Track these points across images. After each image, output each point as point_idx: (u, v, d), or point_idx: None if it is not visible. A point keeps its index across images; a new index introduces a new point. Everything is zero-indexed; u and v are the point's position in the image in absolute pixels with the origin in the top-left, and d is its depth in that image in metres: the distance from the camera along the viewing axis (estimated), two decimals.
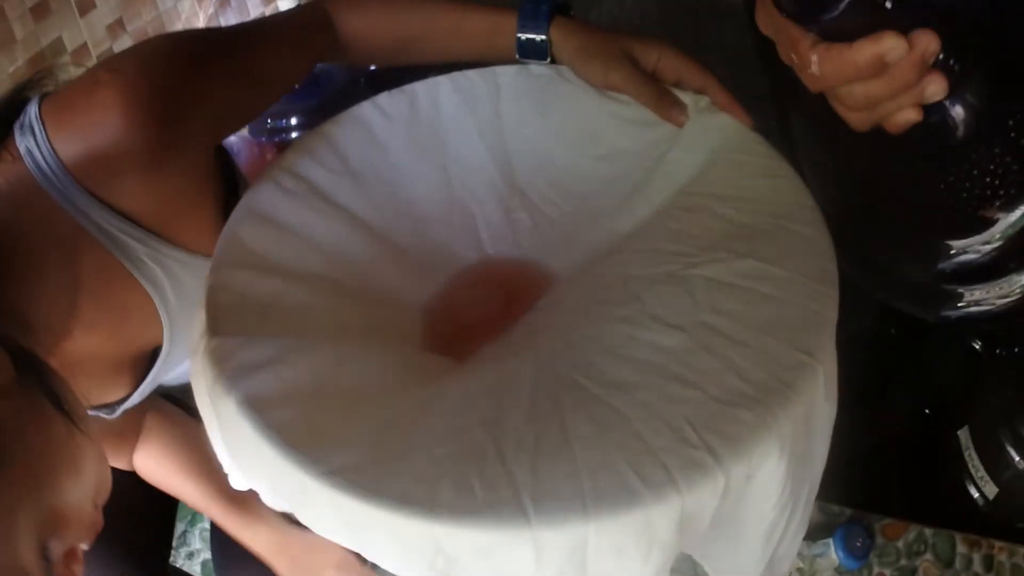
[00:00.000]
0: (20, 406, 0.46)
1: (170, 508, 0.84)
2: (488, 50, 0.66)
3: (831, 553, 0.68)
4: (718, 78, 0.60)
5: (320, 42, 0.66)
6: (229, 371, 0.46)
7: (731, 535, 0.46)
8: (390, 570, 0.43)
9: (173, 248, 0.59)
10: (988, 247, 0.45)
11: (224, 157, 0.67)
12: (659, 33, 0.63)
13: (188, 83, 0.55)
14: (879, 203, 0.52)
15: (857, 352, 0.51)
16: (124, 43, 1.26)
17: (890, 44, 0.37)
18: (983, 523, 0.73)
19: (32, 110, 0.54)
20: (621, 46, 0.61)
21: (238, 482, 0.49)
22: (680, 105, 0.60)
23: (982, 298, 0.47)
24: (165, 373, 0.67)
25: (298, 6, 0.67)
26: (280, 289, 0.53)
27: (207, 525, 0.82)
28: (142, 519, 0.76)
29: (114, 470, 0.76)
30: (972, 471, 0.76)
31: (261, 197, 0.59)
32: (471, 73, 0.66)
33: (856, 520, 0.69)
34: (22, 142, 0.54)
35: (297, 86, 1.13)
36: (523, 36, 0.65)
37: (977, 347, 0.83)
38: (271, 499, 0.47)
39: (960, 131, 0.43)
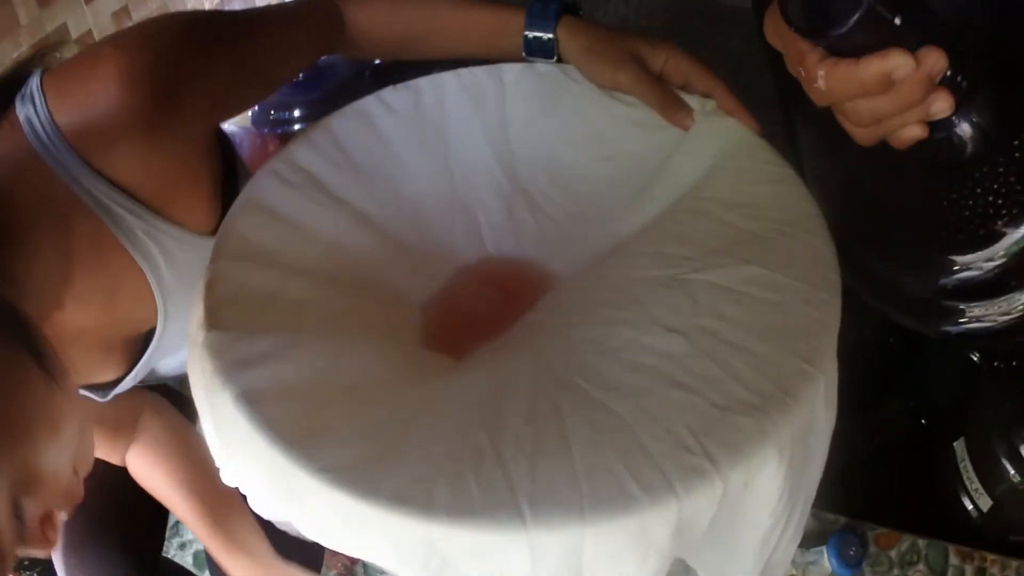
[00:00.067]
0: None
1: None
2: (495, 48, 0.66)
3: (824, 561, 0.68)
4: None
5: (328, 34, 0.66)
6: (226, 365, 0.46)
7: (727, 541, 0.46)
8: (383, 569, 0.43)
9: (169, 224, 0.59)
10: (991, 264, 0.45)
11: (226, 145, 0.67)
12: (664, 36, 0.63)
13: (189, 61, 0.56)
14: (882, 216, 0.52)
15: (855, 361, 0.51)
16: None
17: (897, 62, 0.37)
18: (976, 535, 0.73)
19: (34, 82, 0.55)
20: (628, 47, 0.61)
21: (229, 478, 0.48)
22: (686, 108, 0.59)
23: (983, 315, 0.47)
24: (159, 357, 0.67)
25: None
26: (279, 282, 0.53)
27: None
28: (135, 509, 0.76)
29: (108, 463, 0.75)
30: (967, 483, 0.76)
31: (262, 189, 0.58)
32: (477, 70, 0.66)
33: (850, 528, 0.69)
34: (22, 111, 0.54)
35: (301, 77, 1.14)
36: (530, 34, 0.64)
37: (975, 359, 0.83)
38: (260, 505, 0.47)
39: (965, 148, 0.43)
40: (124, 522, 0.80)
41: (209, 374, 0.46)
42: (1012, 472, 0.72)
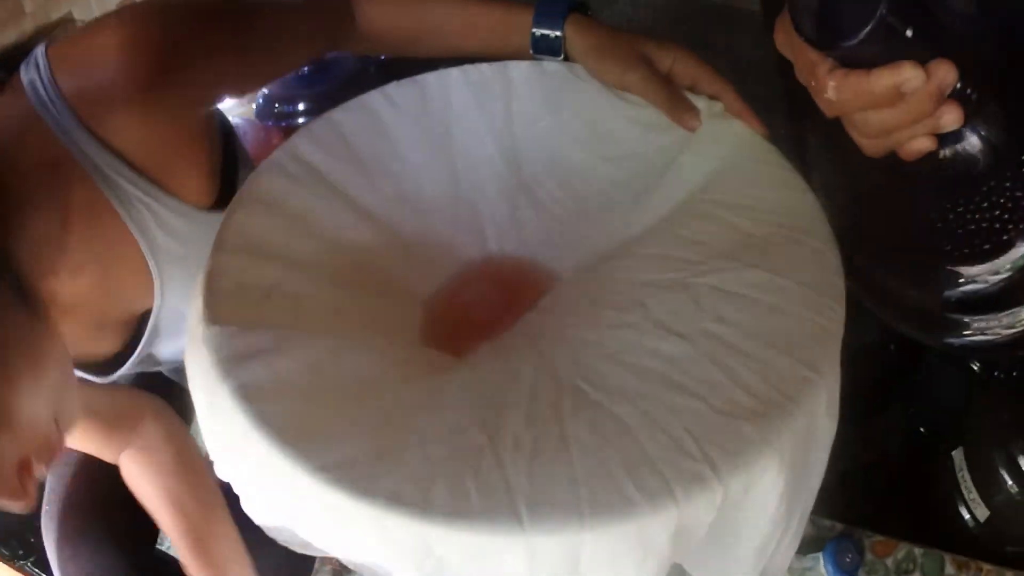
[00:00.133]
0: None
1: None
2: (502, 45, 0.66)
3: (820, 568, 0.68)
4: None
5: (337, 26, 0.66)
6: (224, 358, 0.46)
7: (725, 546, 0.46)
8: (377, 569, 0.42)
9: (164, 194, 0.60)
10: (996, 278, 0.45)
11: (229, 134, 0.67)
12: (671, 38, 0.62)
13: (193, 35, 0.57)
14: (888, 227, 0.52)
15: (856, 368, 0.51)
16: None
17: (908, 74, 0.37)
18: (973, 545, 0.73)
19: (39, 49, 0.56)
20: (636, 47, 0.61)
21: (223, 473, 0.48)
22: (693, 110, 0.59)
23: (987, 328, 0.47)
24: (157, 337, 0.67)
25: None
26: (280, 276, 0.52)
27: None
28: (129, 502, 0.76)
29: None
30: (964, 492, 0.76)
31: (265, 182, 0.58)
32: (483, 66, 0.65)
33: (847, 535, 0.69)
34: (26, 76, 0.56)
35: (306, 70, 1.14)
36: (538, 31, 0.64)
37: (975, 369, 0.83)
38: (253, 506, 0.46)
39: (973, 161, 0.43)
40: (118, 514, 0.79)
41: (207, 368, 0.46)
42: (1010, 483, 0.72)
